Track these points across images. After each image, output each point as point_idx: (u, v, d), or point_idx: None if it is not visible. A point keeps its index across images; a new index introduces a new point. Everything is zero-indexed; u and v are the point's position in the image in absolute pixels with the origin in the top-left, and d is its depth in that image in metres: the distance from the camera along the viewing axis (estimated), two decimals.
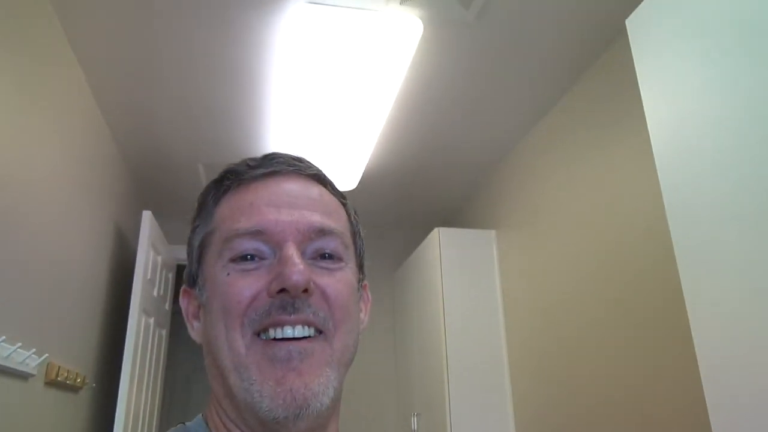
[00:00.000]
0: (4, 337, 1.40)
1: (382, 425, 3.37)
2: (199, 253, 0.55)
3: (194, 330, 0.56)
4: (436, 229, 2.90)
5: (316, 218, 0.52)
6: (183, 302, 0.58)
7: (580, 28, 1.92)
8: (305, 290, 0.48)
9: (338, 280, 0.52)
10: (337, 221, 0.55)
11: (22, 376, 1.62)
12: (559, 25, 1.90)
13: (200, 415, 0.55)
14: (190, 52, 1.97)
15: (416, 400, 3.02)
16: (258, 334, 0.48)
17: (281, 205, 0.52)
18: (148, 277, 2.59)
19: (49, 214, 1.78)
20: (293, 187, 0.54)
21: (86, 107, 2.14)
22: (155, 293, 2.78)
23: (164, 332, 3.05)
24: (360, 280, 0.58)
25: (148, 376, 2.66)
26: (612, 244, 1.97)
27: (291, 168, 0.55)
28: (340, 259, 0.53)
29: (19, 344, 1.51)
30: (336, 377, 0.49)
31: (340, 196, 0.59)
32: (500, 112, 2.44)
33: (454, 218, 3.52)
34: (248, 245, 0.50)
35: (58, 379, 1.87)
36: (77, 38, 1.88)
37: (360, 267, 0.59)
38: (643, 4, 1.31)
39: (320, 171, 0.58)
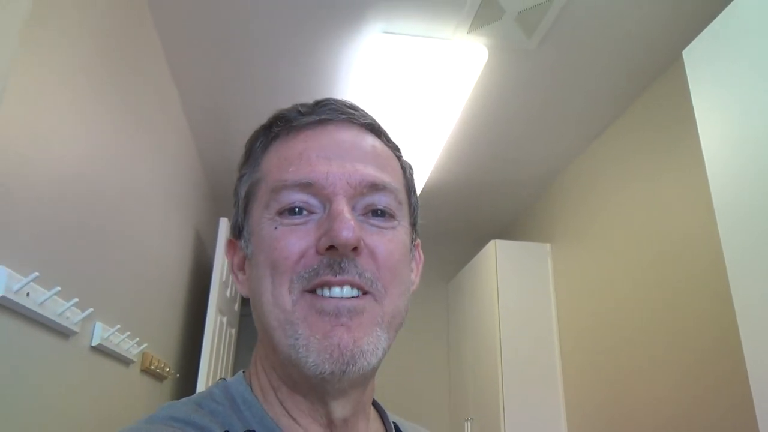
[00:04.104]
0: (118, 326, 1.61)
1: (436, 429, 3.48)
2: (245, 203, 0.53)
3: (239, 282, 0.55)
4: (492, 241, 3.01)
5: (369, 171, 0.49)
6: (228, 254, 0.57)
7: (634, 57, 2.02)
8: (354, 248, 0.45)
9: (389, 240, 0.49)
10: (391, 175, 0.52)
11: (126, 361, 1.84)
12: (615, 53, 2.00)
13: (241, 371, 0.54)
14: (271, 75, 2.18)
15: (470, 406, 3.13)
16: (306, 291, 0.46)
17: (332, 157, 0.49)
18: (223, 279, 2.81)
19: (147, 222, 2.00)
20: (346, 137, 0.51)
21: (178, 125, 2.38)
22: (228, 294, 3.01)
23: (233, 331, 3.28)
24: (413, 240, 0.55)
25: (221, 370, 2.87)
26: (665, 261, 2.03)
27: (344, 116, 0.52)
28: (392, 217, 0.50)
29: (128, 333, 1.73)
30: (386, 338, 0.47)
31: (395, 148, 0.56)
32: (556, 131, 2.54)
33: (509, 231, 3.61)
34: (296, 197, 0.48)
35: (151, 367, 2.09)
36: (175, 59, 2.12)
37: (413, 225, 0.56)
38: (700, 36, 1.40)
39: (375, 120, 0.55)
